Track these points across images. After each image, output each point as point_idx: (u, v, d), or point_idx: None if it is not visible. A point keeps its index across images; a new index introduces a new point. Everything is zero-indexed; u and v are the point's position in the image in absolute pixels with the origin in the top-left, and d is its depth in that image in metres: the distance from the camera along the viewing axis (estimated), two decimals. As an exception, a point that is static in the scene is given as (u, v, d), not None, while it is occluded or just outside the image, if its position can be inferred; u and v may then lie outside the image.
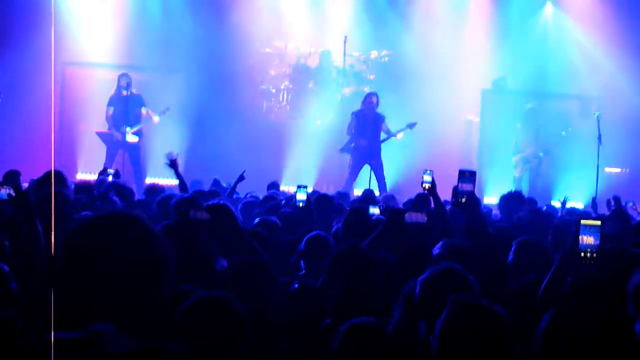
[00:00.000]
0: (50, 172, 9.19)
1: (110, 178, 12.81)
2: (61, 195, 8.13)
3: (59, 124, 18.85)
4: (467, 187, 7.51)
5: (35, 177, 9.96)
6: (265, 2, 20.51)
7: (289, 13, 20.59)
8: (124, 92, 17.83)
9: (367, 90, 19.09)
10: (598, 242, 5.74)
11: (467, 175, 7.62)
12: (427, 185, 8.94)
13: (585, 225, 5.77)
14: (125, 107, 17.81)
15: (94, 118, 18.88)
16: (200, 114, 19.52)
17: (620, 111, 18.96)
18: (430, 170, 9.18)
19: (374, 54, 20.53)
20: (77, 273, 2.94)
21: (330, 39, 20.29)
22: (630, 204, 13.21)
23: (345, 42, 19.59)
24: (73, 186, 11.13)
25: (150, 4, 20.14)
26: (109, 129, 17.93)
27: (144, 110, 17.98)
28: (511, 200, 10.81)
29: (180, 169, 18.47)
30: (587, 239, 5.75)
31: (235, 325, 4.29)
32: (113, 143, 17.86)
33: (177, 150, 17.94)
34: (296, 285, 5.94)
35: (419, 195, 10.31)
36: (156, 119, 18.01)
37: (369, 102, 17.53)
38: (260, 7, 20.40)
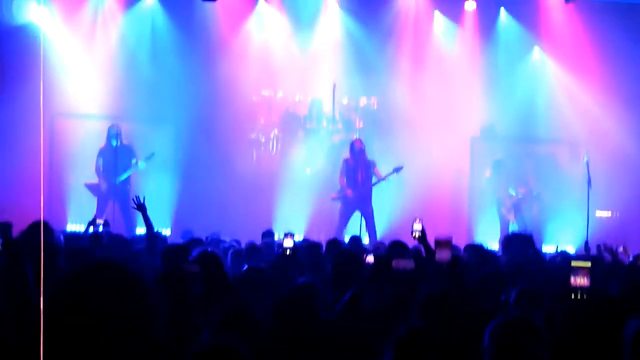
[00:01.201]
0: (36, 223, 9.14)
1: (100, 228, 12.80)
2: (51, 246, 8.11)
3: (49, 175, 18.79)
4: (444, 255, 7.48)
5: (24, 229, 9.91)
6: (253, 51, 20.59)
7: (278, 61, 20.66)
8: (114, 143, 17.83)
9: (355, 137, 19.13)
10: (589, 283, 5.75)
11: (442, 244, 7.63)
12: (417, 234, 8.93)
13: (576, 267, 5.78)
14: (115, 158, 17.79)
15: (84, 169, 18.88)
16: (190, 163, 19.53)
17: (608, 155, 19.04)
18: (420, 218, 9.18)
19: (363, 100, 20.57)
20: (65, 322, 2.93)
21: (319, 86, 20.34)
22: (621, 248, 13.19)
23: (334, 89, 19.66)
24: (62, 236, 11.11)
25: (139, 54, 20.19)
26: (98, 180, 17.91)
27: (134, 161, 17.97)
28: (514, 241, 10.75)
29: (171, 218, 18.65)
30: (579, 280, 5.76)
31: None
32: (102, 194, 17.83)
33: (167, 199, 18.11)
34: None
35: (393, 242, 10.24)
36: (142, 165, 17.97)
37: (358, 149, 17.58)
38: (248, 55, 20.48)
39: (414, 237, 9.08)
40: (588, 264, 5.88)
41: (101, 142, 18.09)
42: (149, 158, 17.91)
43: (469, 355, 4.80)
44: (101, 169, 17.86)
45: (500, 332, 4.65)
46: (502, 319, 4.74)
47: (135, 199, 10.92)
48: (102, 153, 17.91)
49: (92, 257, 8.57)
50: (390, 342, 4.72)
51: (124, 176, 17.81)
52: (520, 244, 10.52)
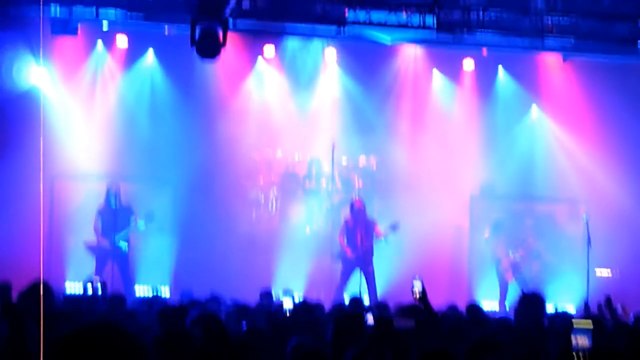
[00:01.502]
0: (36, 284, 9.12)
1: (98, 285, 12.69)
2: (51, 306, 8.07)
3: (49, 235, 18.77)
4: (404, 323, 7.46)
5: (23, 290, 9.88)
6: (253, 110, 20.66)
7: (277, 120, 20.74)
8: (112, 203, 17.83)
9: (355, 197, 19.13)
10: (591, 343, 5.71)
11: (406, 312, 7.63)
12: (417, 295, 8.91)
13: (578, 327, 5.74)
14: (114, 218, 17.78)
15: (84, 229, 18.89)
16: (189, 223, 19.49)
17: (607, 213, 19.05)
18: (420, 277, 9.16)
19: (362, 160, 20.61)
20: None
21: (318, 145, 20.37)
22: (619, 306, 13.14)
23: (333, 148, 19.70)
24: (62, 298, 11.08)
25: (138, 114, 20.25)
26: (97, 239, 17.87)
27: (133, 221, 17.93)
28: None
29: (170, 278, 18.62)
30: (580, 341, 5.72)
31: None
32: (102, 253, 17.79)
33: (167, 259, 18.07)
34: None
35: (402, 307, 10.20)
36: (141, 225, 17.91)
37: (356, 209, 17.57)
38: (248, 114, 20.55)
39: (415, 297, 9.05)
40: (590, 325, 5.84)
41: (100, 202, 18.07)
42: (148, 218, 17.88)
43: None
44: (100, 229, 17.83)
45: None
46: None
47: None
48: (101, 213, 17.90)
49: (89, 319, 8.54)
50: None
51: (123, 236, 17.78)
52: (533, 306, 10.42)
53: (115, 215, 17.79)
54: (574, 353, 5.68)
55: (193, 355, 5.97)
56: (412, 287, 9.06)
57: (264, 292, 13.96)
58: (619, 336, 8.75)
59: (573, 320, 5.93)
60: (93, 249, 17.97)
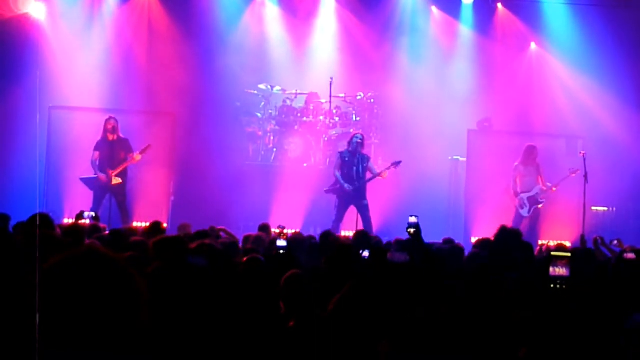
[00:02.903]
0: (36, 215, 9.14)
1: (87, 222, 12.62)
2: (51, 238, 8.06)
3: (45, 169, 18.77)
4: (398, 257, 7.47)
5: (21, 221, 9.91)
6: (251, 44, 20.59)
7: (275, 55, 20.69)
8: (110, 136, 17.68)
9: (352, 131, 19.12)
10: (568, 273, 5.77)
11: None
12: (412, 230, 8.97)
13: (556, 257, 5.81)
14: (111, 151, 17.65)
15: (80, 162, 18.90)
16: (186, 157, 19.48)
17: (605, 150, 19.05)
18: (416, 215, 9.21)
19: (360, 95, 20.57)
20: (55, 308, 2.99)
21: (317, 80, 20.36)
22: (615, 241, 13.21)
23: (331, 84, 19.67)
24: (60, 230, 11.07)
25: (136, 48, 20.18)
26: (94, 173, 17.77)
27: (130, 155, 17.78)
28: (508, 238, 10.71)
29: (168, 211, 18.61)
30: (558, 271, 5.79)
31: None
32: (99, 187, 17.69)
33: (164, 194, 18.06)
34: None
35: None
36: (137, 157, 17.73)
37: (355, 143, 17.52)
38: (246, 49, 20.49)
39: (409, 233, 9.12)
40: (568, 254, 5.91)
41: (98, 135, 17.94)
42: (144, 150, 17.74)
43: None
44: (97, 163, 17.71)
45: None
46: None
47: None
48: (98, 146, 17.74)
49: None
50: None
51: (117, 169, 17.64)
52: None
53: (112, 149, 17.68)
54: (551, 283, 5.75)
55: (192, 283, 5.99)
56: (408, 223, 9.12)
57: (262, 225, 13.98)
58: (617, 269, 8.81)
59: (552, 251, 6.00)
60: (89, 184, 17.87)
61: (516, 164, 18.38)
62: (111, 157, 17.60)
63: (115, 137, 17.66)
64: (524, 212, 18.25)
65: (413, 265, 7.61)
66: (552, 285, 5.73)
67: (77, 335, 2.97)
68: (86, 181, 17.89)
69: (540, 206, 18.17)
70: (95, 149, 17.72)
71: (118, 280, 3.07)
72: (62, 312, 2.99)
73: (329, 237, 10.95)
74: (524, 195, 18.22)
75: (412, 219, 9.24)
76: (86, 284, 3.02)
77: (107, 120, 17.78)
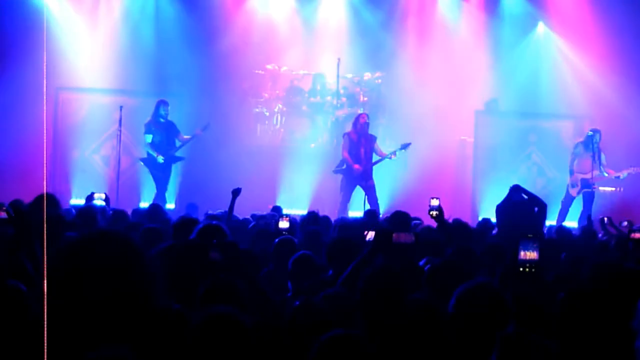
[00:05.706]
0: (42, 196, 9.15)
1: (99, 202, 12.55)
2: (58, 218, 8.08)
3: (53, 149, 18.80)
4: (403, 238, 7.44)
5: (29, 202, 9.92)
6: (258, 25, 20.54)
7: (282, 35, 20.63)
8: (162, 120, 17.74)
9: (360, 112, 19.10)
10: (538, 257, 5.83)
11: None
12: (434, 213, 8.98)
13: (526, 240, 5.87)
14: (167, 134, 17.71)
15: (88, 143, 18.92)
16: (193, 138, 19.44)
17: (613, 130, 18.97)
18: (437, 198, 9.22)
19: (367, 75, 20.55)
20: (66, 289, 2.96)
21: (324, 61, 20.34)
22: (625, 222, 13.21)
23: (338, 64, 19.65)
24: (74, 211, 11.07)
25: (143, 29, 20.15)
26: (155, 154, 17.65)
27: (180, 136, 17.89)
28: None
29: (175, 191, 18.62)
30: (528, 254, 5.85)
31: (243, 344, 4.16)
32: (158, 167, 17.69)
33: (172, 174, 18.09)
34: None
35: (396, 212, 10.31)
36: (199, 132, 17.87)
37: (361, 123, 17.50)
38: (253, 30, 20.45)
39: (431, 216, 9.13)
40: (537, 238, 5.98)
41: (147, 117, 17.86)
42: (205, 128, 17.83)
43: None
44: (155, 145, 17.69)
45: (464, 299, 4.74)
46: (466, 286, 4.80)
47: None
48: (150, 129, 17.72)
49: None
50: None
51: (179, 149, 17.77)
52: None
53: (167, 132, 17.71)
54: (519, 266, 5.81)
55: (202, 264, 5.98)
56: (430, 205, 9.14)
57: (274, 208, 14.02)
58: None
59: (521, 234, 6.06)
60: (149, 164, 17.83)
61: (576, 142, 18.29)
62: (168, 139, 17.69)
63: (166, 120, 17.78)
64: (574, 192, 18.10)
65: (418, 246, 7.60)
66: (521, 269, 5.82)
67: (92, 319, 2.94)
68: (146, 161, 17.87)
69: (590, 190, 17.91)
70: (147, 132, 17.64)
71: (133, 260, 3.05)
72: (76, 293, 2.96)
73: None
74: (579, 175, 18.06)
75: (434, 202, 9.25)
76: (101, 264, 3.00)
77: (159, 104, 17.71)
